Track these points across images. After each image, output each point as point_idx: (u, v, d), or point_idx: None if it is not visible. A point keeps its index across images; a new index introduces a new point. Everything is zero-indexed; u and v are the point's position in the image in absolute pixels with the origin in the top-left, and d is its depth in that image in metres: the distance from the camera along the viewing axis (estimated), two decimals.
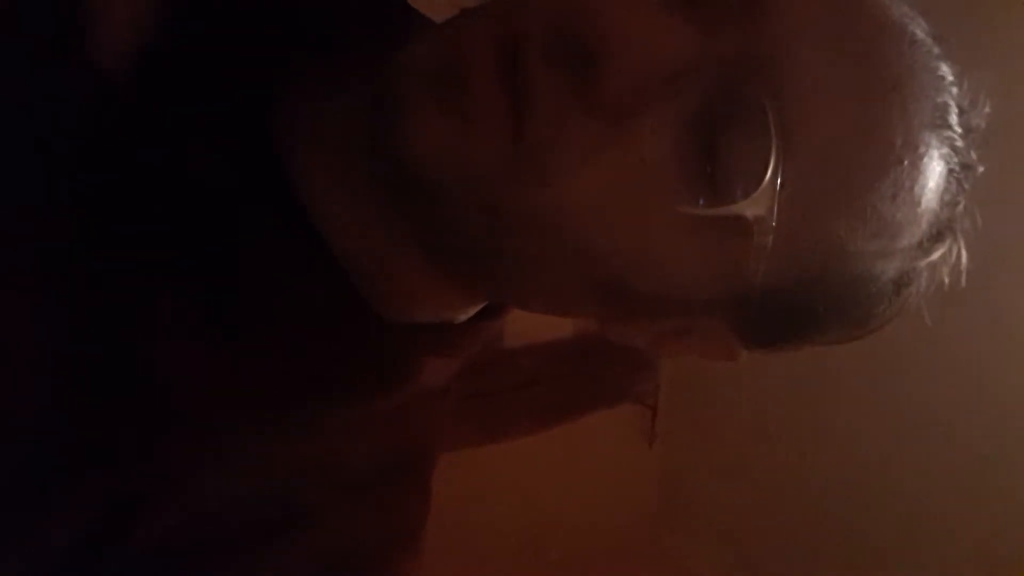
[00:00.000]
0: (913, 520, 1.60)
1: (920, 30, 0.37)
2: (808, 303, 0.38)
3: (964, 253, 0.40)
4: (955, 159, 0.37)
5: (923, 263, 0.39)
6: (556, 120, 0.33)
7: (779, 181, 0.33)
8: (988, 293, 1.38)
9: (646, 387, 2.04)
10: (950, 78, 0.37)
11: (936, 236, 0.38)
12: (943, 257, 0.39)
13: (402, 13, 0.45)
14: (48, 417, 0.35)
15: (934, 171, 0.37)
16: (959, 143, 0.37)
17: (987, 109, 0.39)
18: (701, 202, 0.34)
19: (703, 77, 0.33)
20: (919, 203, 0.37)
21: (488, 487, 1.66)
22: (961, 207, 0.39)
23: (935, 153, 0.36)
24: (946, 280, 0.40)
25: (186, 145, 0.39)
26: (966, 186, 0.39)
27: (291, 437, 0.39)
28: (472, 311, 0.45)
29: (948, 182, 0.38)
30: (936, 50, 0.37)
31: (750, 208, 0.33)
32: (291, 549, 0.39)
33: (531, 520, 1.84)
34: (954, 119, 0.37)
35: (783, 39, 0.34)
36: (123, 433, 0.36)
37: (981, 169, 0.39)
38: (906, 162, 0.36)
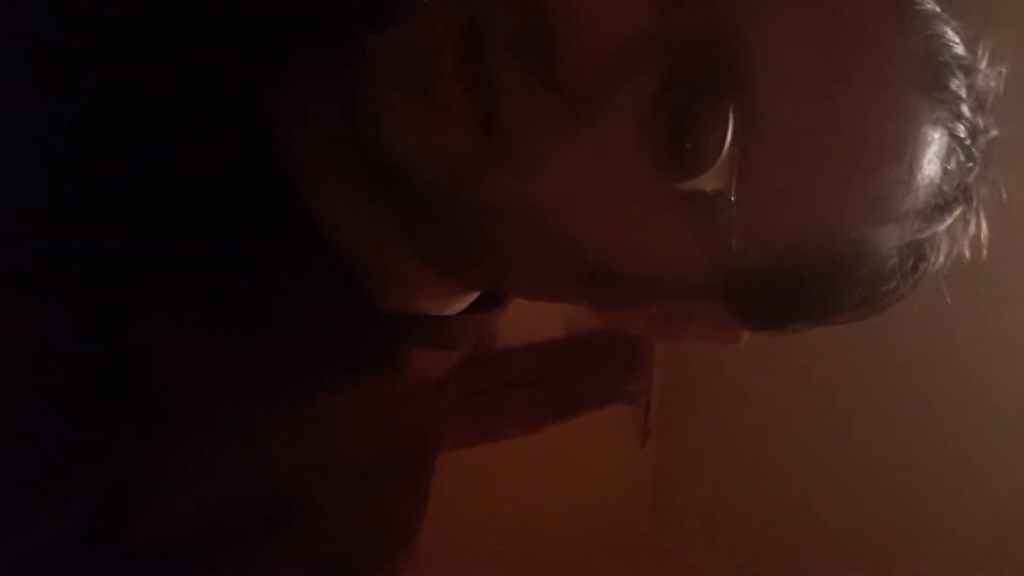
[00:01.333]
0: (908, 519, 1.61)
1: None
2: (804, 281, 0.37)
3: (984, 223, 0.38)
4: (958, 124, 0.36)
5: (928, 234, 0.37)
6: (521, 107, 0.33)
7: (738, 155, 0.33)
8: (991, 293, 1.38)
9: (638, 386, 2.05)
10: (949, 36, 0.36)
11: (942, 206, 0.37)
12: (956, 228, 0.38)
13: (400, 7, 0.46)
14: (45, 414, 0.35)
15: (929, 138, 0.35)
16: (962, 107, 0.36)
17: (1003, 70, 0.37)
18: (666, 180, 0.33)
19: (664, 53, 0.33)
20: (912, 171, 0.35)
21: (481, 486, 1.66)
22: (975, 174, 0.37)
23: (928, 118, 0.35)
24: (966, 253, 0.38)
25: (183, 141, 0.39)
26: (976, 152, 0.37)
27: (288, 432, 0.39)
28: (466, 301, 0.45)
29: (950, 149, 0.36)
30: (929, 6, 0.36)
31: (709, 183, 0.33)
32: (288, 544, 0.39)
33: (524, 519, 1.84)
34: (953, 81, 0.35)
35: (744, 12, 0.33)
36: (119, 429, 0.36)
37: (995, 133, 0.37)
38: (889, 132, 0.34)
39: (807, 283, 0.37)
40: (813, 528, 1.77)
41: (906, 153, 0.35)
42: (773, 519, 1.85)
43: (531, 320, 1.69)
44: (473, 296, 0.46)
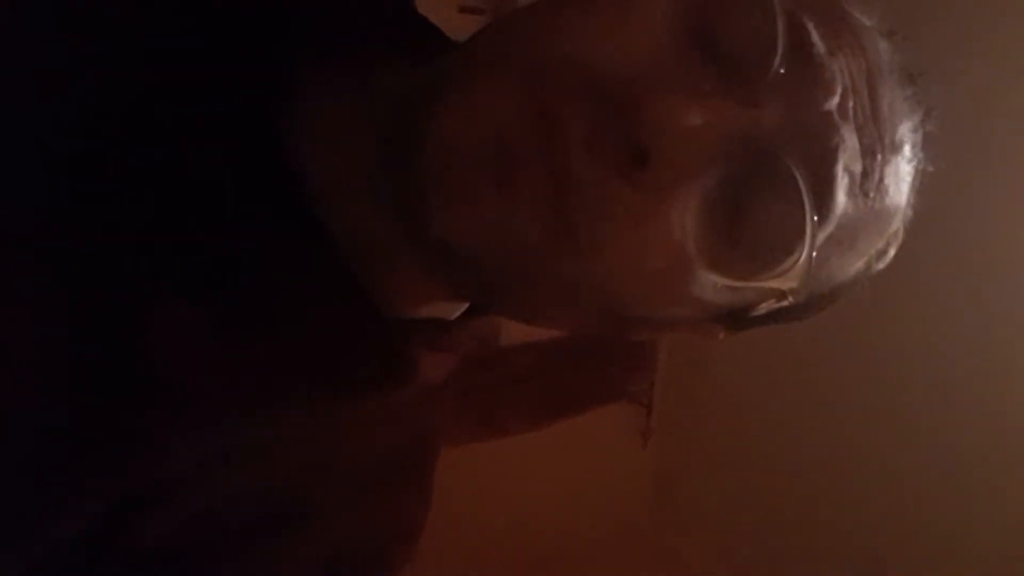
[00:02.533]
0: (907, 518, 1.60)
1: (902, 56, 0.39)
2: (796, 312, 0.41)
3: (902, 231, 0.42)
4: (918, 177, 0.40)
5: (883, 264, 0.42)
6: (598, 194, 0.33)
7: (815, 253, 0.34)
8: (988, 295, 1.38)
9: (640, 385, 2.05)
10: (923, 98, 0.39)
11: (895, 237, 0.41)
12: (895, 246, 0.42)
13: (404, 16, 0.46)
14: (50, 415, 0.35)
15: (905, 194, 0.39)
16: (922, 162, 0.40)
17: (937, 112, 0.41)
18: (736, 273, 0.35)
19: (745, 152, 0.34)
20: (893, 223, 0.40)
21: (483, 483, 1.66)
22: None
23: (908, 179, 0.39)
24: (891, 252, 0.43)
25: (191, 144, 0.39)
26: (919, 189, 0.41)
27: (293, 433, 0.39)
28: (463, 306, 0.46)
29: (911, 196, 0.40)
30: (914, 75, 0.39)
31: (785, 282, 0.35)
32: (293, 545, 0.39)
33: (525, 516, 1.85)
34: (920, 141, 0.39)
35: (819, 115, 0.34)
36: (126, 431, 0.36)
37: (931, 169, 0.41)
38: (889, 200, 0.38)
39: (799, 313, 0.41)
40: (813, 527, 1.77)
41: (893, 210, 0.39)
42: (773, 518, 1.85)
43: None
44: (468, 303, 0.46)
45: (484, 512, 1.71)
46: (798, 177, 0.34)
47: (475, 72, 0.36)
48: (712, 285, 0.36)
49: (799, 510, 1.79)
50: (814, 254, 0.34)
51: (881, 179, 0.37)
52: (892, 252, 0.42)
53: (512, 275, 0.36)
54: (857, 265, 0.40)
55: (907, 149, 0.38)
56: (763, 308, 0.39)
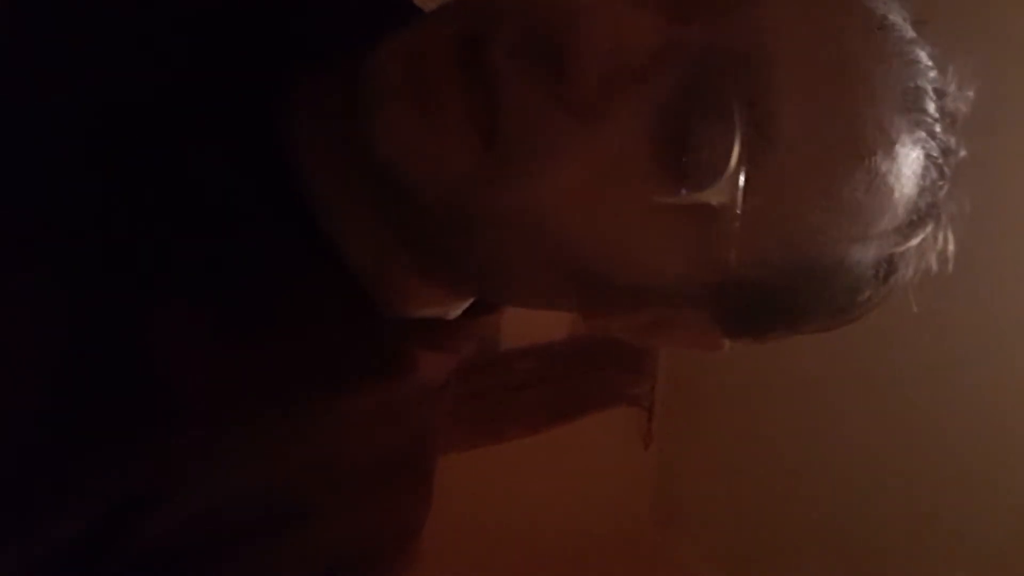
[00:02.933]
0: (909, 520, 1.60)
1: (893, 14, 0.37)
2: (789, 292, 0.38)
3: (951, 238, 0.39)
4: (932, 144, 0.37)
5: (903, 248, 0.38)
6: (525, 116, 0.33)
7: (744, 171, 0.33)
8: (989, 292, 1.38)
9: (641, 389, 2.05)
10: (926, 62, 0.37)
11: (916, 222, 0.38)
12: (927, 242, 0.39)
13: (407, 16, 0.46)
14: (49, 416, 0.35)
15: (908, 157, 0.36)
16: (936, 128, 0.37)
17: (970, 93, 0.39)
18: (667, 193, 0.34)
19: (673, 68, 0.33)
20: (894, 190, 0.36)
21: (484, 486, 1.66)
22: (944, 192, 0.38)
23: (908, 139, 0.36)
24: (934, 267, 0.40)
25: (190, 144, 0.39)
26: (947, 171, 0.38)
27: (293, 433, 0.39)
28: (463, 306, 0.46)
29: (926, 168, 0.37)
30: (910, 34, 0.37)
31: (715, 196, 0.34)
32: (293, 546, 0.39)
33: (527, 521, 1.84)
34: (930, 104, 0.37)
35: (752, 30, 0.34)
36: (125, 432, 0.36)
37: (963, 153, 0.39)
38: (878, 150, 0.35)
39: (790, 295, 0.38)
40: (814, 530, 1.77)
41: (891, 172, 0.36)
42: (775, 521, 1.85)
43: (534, 322, 1.69)
44: (468, 301, 0.46)
45: (485, 515, 1.71)
46: (731, 95, 0.33)
47: (421, 19, 0.37)
48: (657, 223, 0.35)
49: (801, 514, 1.79)
50: (756, 172, 0.33)
51: (846, 113, 0.35)
52: (916, 240, 0.38)
53: (448, 210, 0.35)
54: (854, 235, 0.37)
55: (897, 97, 0.36)
56: (741, 268, 0.36)
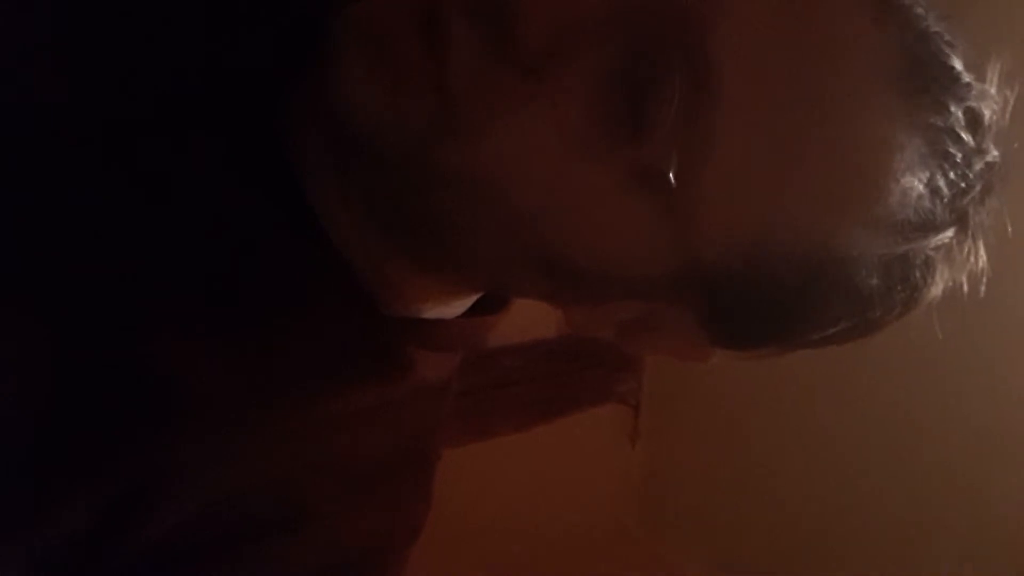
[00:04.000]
0: (898, 521, 1.61)
1: None
2: (772, 293, 0.36)
3: (982, 253, 0.36)
4: (941, 135, 0.34)
5: (905, 250, 0.35)
6: (474, 73, 0.33)
7: (684, 128, 0.32)
8: (987, 293, 1.37)
9: (629, 387, 2.05)
10: (938, 45, 0.34)
11: (927, 223, 0.35)
12: (948, 253, 0.36)
13: None
14: (49, 416, 0.35)
15: (902, 139, 0.33)
16: (949, 118, 0.34)
17: (1008, 93, 0.35)
18: (615, 148, 0.33)
19: (622, 28, 0.33)
20: (884, 174, 0.33)
21: (470, 485, 1.66)
22: (970, 197, 0.35)
23: (903, 120, 0.33)
24: (964, 285, 0.36)
25: (194, 144, 0.39)
26: (970, 173, 0.35)
27: (294, 434, 0.39)
28: (466, 304, 0.45)
29: (933, 161, 0.34)
30: (919, 10, 0.34)
31: (653, 154, 0.32)
32: (294, 546, 0.39)
33: (513, 518, 1.84)
34: (940, 89, 0.34)
35: None
36: (124, 431, 0.36)
37: (993, 156, 0.35)
38: (855, 123, 0.33)
39: (775, 291, 0.36)
40: (802, 529, 1.77)
41: (875, 152, 0.33)
42: (762, 520, 1.86)
43: (522, 321, 1.69)
44: (471, 300, 0.46)
45: (471, 511, 1.70)
46: (680, 57, 0.32)
47: None
48: (612, 193, 0.33)
49: (789, 512, 1.80)
50: (684, 127, 0.32)
51: (814, 77, 0.32)
52: (930, 242, 0.34)
53: (408, 169, 0.35)
54: (840, 222, 0.34)
55: (875, 63, 0.33)
56: (719, 256, 0.34)
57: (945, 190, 0.34)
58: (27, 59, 0.40)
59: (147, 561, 0.35)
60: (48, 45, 0.40)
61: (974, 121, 0.35)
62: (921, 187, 0.34)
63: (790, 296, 0.36)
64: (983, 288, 0.36)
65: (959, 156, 0.34)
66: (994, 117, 0.35)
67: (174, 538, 0.36)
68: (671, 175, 0.32)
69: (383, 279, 0.41)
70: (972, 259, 0.36)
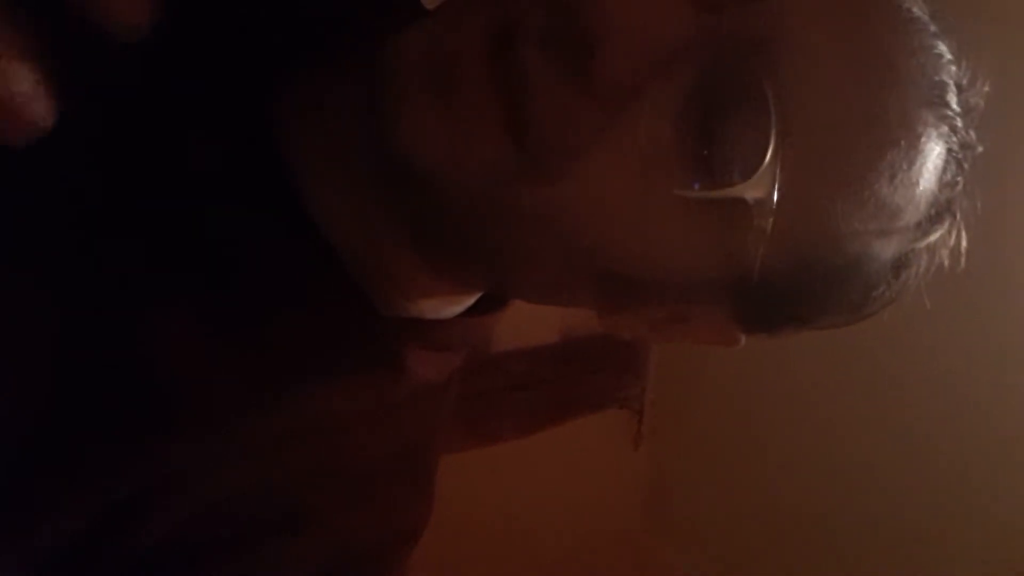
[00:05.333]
0: (901, 524, 1.60)
1: (917, 7, 0.36)
2: (807, 285, 0.37)
3: (964, 235, 0.39)
4: (954, 139, 0.37)
5: (922, 244, 0.38)
6: (555, 109, 0.32)
7: (779, 164, 0.32)
8: (988, 295, 1.37)
9: (632, 391, 2.05)
10: (948, 56, 0.37)
11: (935, 217, 0.37)
12: (942, 238, 0.39)
13: (408, 5, 0.46)
14: (46, 415, 0.35)
15: (932, 151, 0.36)
16: (957, 122, 0.37)
17: (986, 88, 0.38)
18: (698, 185, 0.33)
19: (700, 56, 0.33)
20: (917, 184, 0.36)
21: (475, 488, 1.66)
22: (960, 187, 0.38)
23: (933, 133, 0.36)
24: (945, 262, 0.39)
25: (186, 138, 0.39)
26: (966, 166, 0.38)
27: (292, 434, 0.39)
28: (467, 303, 0.46)
29: (947, 162, 0.37)
30: (933, 27, 0.36)
31: (750, 191, 0.33)
32: (295, 546, 0.39)
33: (517, 522, 1.84)
34: (952, 98, 0.36)
35: (781, 19, 0.33)
36: (122, 431, 0.36)
37: (980, 149, 0.38)
38: (903, 143, 0.35)
39: (814, 287, 0.37)
40: (806, 533, 1.77)
41: (914, 165, 0.35)
42: (766, 524, 1.85)
43: (526, 325, 1.69)
44: (473, 299, 0.46)
45: (476, 516, 1.70)
46: (763, 83, 0.32)
47: (445, 8, 0.36)
48: (686, 219, 0.34)
49: (792, 515, 1.80)
50: (784, 165, 0.32)
51: (874, 103, 0.34)
52: (935, 236, 0.38)
53: (472, 203, 0.34)
54: (875, 229, 0.36)
55: (923, 90, 0.35)
56: (762, 262, 0.35)
57: (949, 188, 0.37)
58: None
59: (147, 562, 0.35)
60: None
61: (972, 120, 0.38)
62: (936, 190, 0.37)
63: (821, 291, 0.38)
64: (963, 261, 0.39)
65: (960, 154, 0.37)
66: (978, 111, 0.38)
67: (173, 539, 0.36)
68: (749, 204, 0.33)
69: (386, 281, 0.41)
70: (955, 239, 0.39)
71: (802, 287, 0.37)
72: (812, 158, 0.34)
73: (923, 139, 0.35)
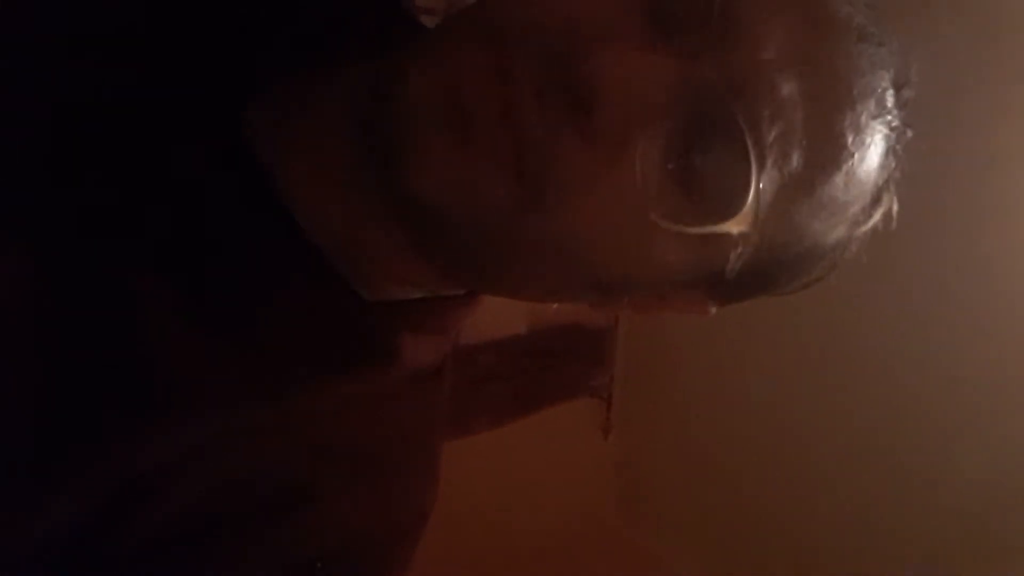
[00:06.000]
0: (872, 510, 1.62)
1: (860, 15, 0.40)
2: (774, 274, 0.43)
3: (895, 200, 0.43)
4: (893, 136, 0.41)
5: (867, 227, 0.43)
6: (551, 153, 0.35)
7: (758, 197, 0.36)
8: (979, 288, 1.39)
9: (600, 380, 2.06)
10: (889, 59, 0.41)
11: (877, 200, 0.42)
12: (882, 214, 0.43)
13: (393, 13, 0.47)
14: (42, 410, 0.36)
15: (876, 151, 0.40)
16: (896, 122, 0.41)
17: (914, 77, 0.42)
18: (685, 222, 0.37)
19: (682, 102, 0.36)
20: (866, 182, 0.41)
21: (445, 481, 1.66)
22: (895, 170, 0.42)
23: (879, 138, 0.40)
24: (880, 227, 0.44)
25: (169, 140, 0.40)
26: (901, 151, 0.42)
27: (288, 421, 0.40)
28: (454, 288, 0.47)
29: (887, 157, 0.41)
30: (876, 35, 0.40)
31: (735, 226, 0.37)
32: (296, 529, 0.39)
33: (489, 513, 1.85)
34: (891, 101, 0.40)
35: (755, 64, 0.36)
36: (118, 423, 0.37)
37: (910, 133, 0.42)
38: (856, 154, 0.39)
39: (775, 276, 0.43)
40: (777, 518, 1.78)
41: (863, 168, 0.40)
42: (738, 509, 1.87)
43: (493, 317, 1.70)
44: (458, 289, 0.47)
45: (445, 511, 1.70)
46: (741, 123, 0.36)
47: (444, 38, 0.38)
48: (676, 241, 0.38)
49: (764, 499, 1.81)
50: (763, 197, 0.37)
51: (833, 127, 0.38)
52: (877, 215, 0.43)
53: (482, 236, 0.37)
54: (832, 224, 0.41)
55: (870, 104, 0.39)
56: (736, 264, 0.40)
57: (889, 172, 0.42)
58: (9, 54, 0.40)
59: (148, 551, 0.36)
60: (24, 41, 0.41)
61: (906, 110, 0.42)
62: (880, 179, 0.42)
63: (782, 278, 0.44)
64: (894, 224, 0.44)
65: (898, 144, 0.42)
66: (914, 99, 0.43)
67: (175, 528, 0.36)
68: (734, 233, 0.37)
69: (372, 272, 0.42)
70: (889, 207, 0.44)
71: (769, 275, 0.42)
72: (784, 182, 0.38)
73: (871, 146, 0.40)
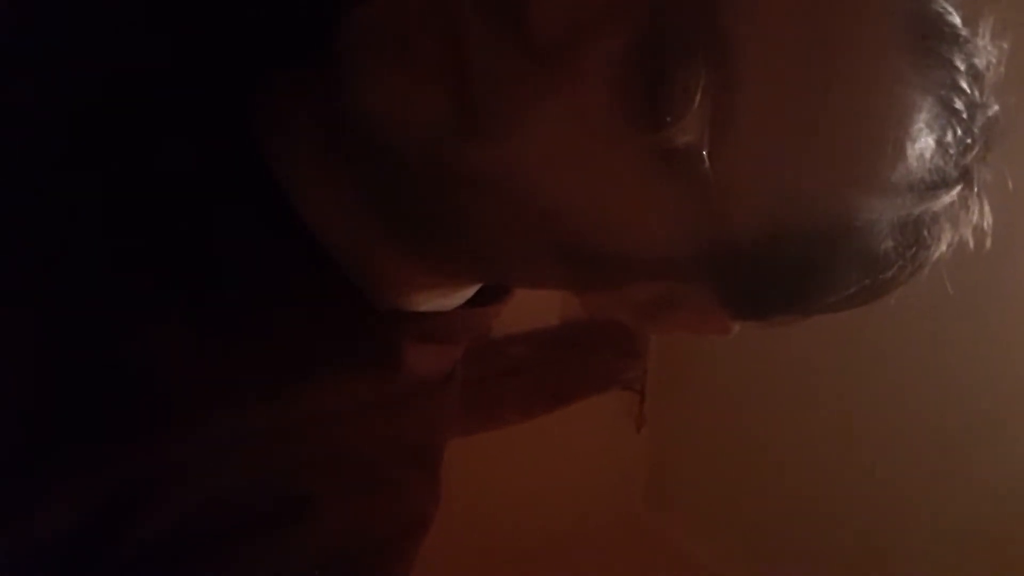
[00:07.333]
0: (900, 503, 1.61)
1: None
2: (790, 256, 0.35)
3: (987, 210, 0.36)
4: (949, 93, 0.34)
5: (922, 210, 0.35)
6: (492, 69, 0.32)
7: (714, 109, 0.31)
8: (993, 283, 1.35)
9: (634, 373, 2.05)
10: (940, 3, 0.34)
11: (937, 183, 0.34)
12: (956, 209, 0.36)
13: None
14: (41, 411, 0.35)
15: (916, 101, 0.33)
16: (956, 76, 0.34)
17: (1005, 44, 0.35)
18: (640, 132, 0.32)
19: (639, 9, 0.32)
20: (900, 138, 0.33)
21: (476, 472, 1.66)
22: (974, 153, 0.35)
23: (915, 78, 0.33)
24: (970, 242, 0.36)
25: (168, 145, 0.39)
26: (975, 128, 0.35)
27: (290, 428, 0.39)
28: (466, 295, 0.46)
29: (944, 119, 0.34)
30: None
31: (683, 134, 0.32)
32: (296, 536, 0.38)
33: (519, 505, 1.85)
34: (944, 47, 0.34)
35: None
36: (116, 429, 0.36)
37: (994, 111, 0.35)
38: (872, 87, 0.33)
39: (796, 262, 0.35)
40: (807, 513, 1.78)
41: (893, 117, 0.33)
42: (767, 504, 1.86)
43: (526, 309, 1.69)
44: (471, 291, 0.46)
45: (476, 502, 1.71)
46: (694, 28, 0.31)
47: None
48: (652, 196, 0.33)
49: (794, 495, 1.80)
50: (739, 117, 0.31)
51: (837, 55, 0.32)
52: (940, 203, 0.35)
53: (428, 169, 0.34)
54: (853, 192, 0.34)
55: (898, 27, 0.33)
56: (744, 236, 0.34)
57: (953, 147, 0.34)
58: (3, 55, 0.40)
59: (148, 558, 0.35)
60: (23, 41, 0.41)
61: (976, 76, 0.35)
62: (933, 146, 0.34)
63: (810, 266, 0.36)
64: (988, 242, 0.36)
65: (965, 112, 0.34)
66: (991, 70, 0.36)
67: (175, 534, 0.36)
68: (704, 153, 0.32)
69: (378, 273, 0.41)
70: (977, 215, 0.36)
71: (784, 258, 0.35)
72: (769, 113, 0.32)
73: (900, 89, 0.33)
